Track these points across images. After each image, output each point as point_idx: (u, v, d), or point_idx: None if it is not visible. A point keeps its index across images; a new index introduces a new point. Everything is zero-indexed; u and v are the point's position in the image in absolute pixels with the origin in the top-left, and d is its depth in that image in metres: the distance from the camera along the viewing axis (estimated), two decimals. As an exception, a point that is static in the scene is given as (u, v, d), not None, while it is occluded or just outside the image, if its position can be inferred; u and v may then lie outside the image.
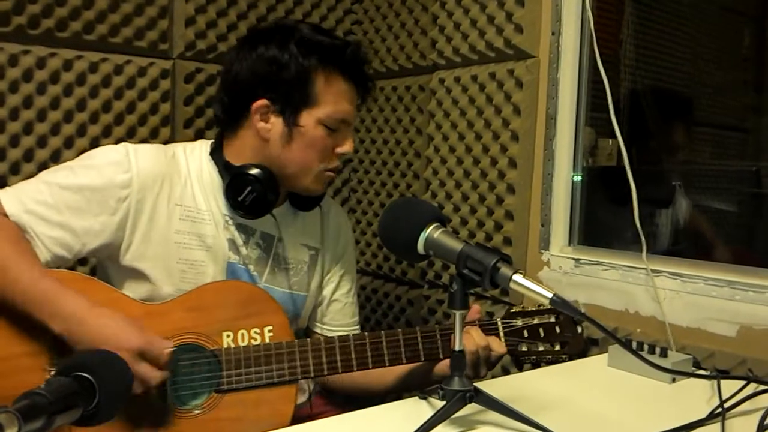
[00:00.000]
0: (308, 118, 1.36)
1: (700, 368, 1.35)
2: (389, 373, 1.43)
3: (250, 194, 1.35)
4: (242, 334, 1.29)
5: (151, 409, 1.23)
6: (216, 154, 1.43)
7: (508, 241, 1.74)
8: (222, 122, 1.46)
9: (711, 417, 1.06)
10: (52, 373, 1.20)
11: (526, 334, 1.40)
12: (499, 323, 1.40)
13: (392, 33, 2.13)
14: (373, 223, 2.22)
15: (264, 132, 1.37)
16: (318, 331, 1.58)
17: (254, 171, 1.36)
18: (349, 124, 1.42)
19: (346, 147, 1.41)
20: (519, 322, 1.40)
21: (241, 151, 1.41)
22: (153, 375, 1.17)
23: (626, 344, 1.15)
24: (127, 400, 0.84)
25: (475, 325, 1.35)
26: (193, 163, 1.42)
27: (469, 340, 1.29)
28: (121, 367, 0.86)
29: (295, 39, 1.37)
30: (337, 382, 1.53)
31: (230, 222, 1.41)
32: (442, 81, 1.92)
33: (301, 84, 1.35)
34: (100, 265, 1.45)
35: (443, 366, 1.34)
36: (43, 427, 0.73)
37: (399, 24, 2.10)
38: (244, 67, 1.39)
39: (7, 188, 1.32)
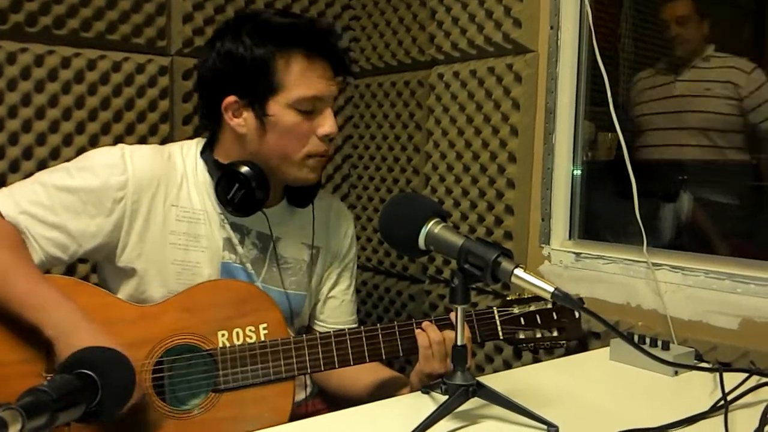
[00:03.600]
0: (276, 106, 1.32)
1: (702, 361, 1.35)
2: (359, 383, 1.44)
3: (238, 192, 1.33)
4: (237, 333, 1.28)
5: (149, 411, 1.22)
6: (206, 153, 1.42)
7: (508, 236, 1.74)
8: (204, 125, 1.45)
9: (713, 410, 1.06)
10: (49, 378, 1.19)
11: (522, 321, 1.39)
12: (495, 311, 1.39)
13: (390, 28, 2.12)
14: (374, 218, 2.22)
15: (239, 128, 1.35)
16: (315, 328, 1.57)
17: (242, 168, 1.34)
18: (325, 101, 1.35)
19: (327, 127, 1.34)
20: (515, 310, 1.40)
21: (227, 149, 1.40)
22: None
23: (628, 337, 1.14)
24: (130, 398, 0.84)
25: (431, 321, 1.33)
26: (188, 162, 1.41)
27: (421, 335, 1.29)
28: (124, 365, 0.85)
29: (247, 29, 1.33)
30: (329, 383, 1.54)
31: (225, 221, 1.40)
32: (440, 76, 1.92)
33: (261, 72, 1.31)
34: (98, 266, 1.44)
35: (417, 375, 1.32)
36: (46, 424, 0.73)
37: (397, 19, 2.10)
38: (207, 67, 1.37)
39: (3, 189, 1.32)
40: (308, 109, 1.33)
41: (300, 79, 1.32)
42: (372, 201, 2.23)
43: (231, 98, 1.33)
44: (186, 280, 1.34)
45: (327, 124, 1.35)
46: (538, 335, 1.39)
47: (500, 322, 1.38)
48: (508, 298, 1.42)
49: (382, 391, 1.42)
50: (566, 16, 1.66)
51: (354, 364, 1.31)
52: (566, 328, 1.41)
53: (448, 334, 1.28)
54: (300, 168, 1.37)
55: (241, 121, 1.35)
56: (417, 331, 1.31)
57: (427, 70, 1.99)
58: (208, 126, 1.42)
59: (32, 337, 1.19)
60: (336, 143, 1.49)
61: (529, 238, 1.73)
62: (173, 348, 1.24)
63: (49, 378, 1.19)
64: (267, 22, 1.34)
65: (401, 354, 1.33)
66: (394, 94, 2.12)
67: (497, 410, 1.02)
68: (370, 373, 1.46)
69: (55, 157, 1.74)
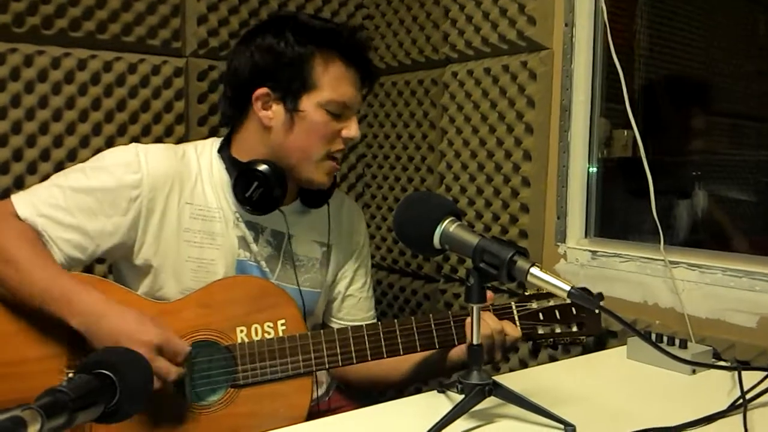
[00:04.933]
0: (308, 103, 1.35)
1: (720, 359, 1.34)
2: (404, 362, 1.42)
3: (257, 189, 1.35)
4: (255, 329, 1.29)
5: (169, 406, 1.23)
6: (224, 151, 1.43)
7: (523, 234, 1.73)
8: (228, 118, 1.46)
9: (732, 408, 1.05)
10: (69, 375, 1.21)
11: (541, 316, 1.39)
12: (513, 306, 1.39)
13: (404, 27, 2.12)
14: (388, 217, 2.22)
15: (266, 120, 1.37)
16: (334, 326, 1.58)
17: (261, 167, 1.36)
18: (351, 109, 1.40)
19: (351, 131, 1.39)
20: (534, 305, 1.39)
21: (247, 144, 1.41)
22: (170, 370, 1.18)
23: (646, 336, 1.14)
24: (148, 397, 0.84)
25: (489, 310, 1.34)
26: (203, 161, 1.43)
27: (483, 325, 1.28)
28: (142, 365, 0.86)
29: (291, 26, 1.37)
30: (351, 374, 1.54)
31: (240, 219, 1.41)
32: (455, 74, 1.92)
33: (299, 69, 1.35)
34: (115, 265, 1.46)
35: (458, 352, 1.34)
36: (65, 424, 0.73)
37: (411, 18, 2.09)
38: (242, 60, 1.39)
39: (20, 192, 1.33)
40: (336, 112, 1.37)
41: (334, 83, 1.36)
42: (386, 200, 2.23)
43: (263, 90, 1.36)
44: (201, 278, 1.36)
45: (352, 128, 1.40)
46: (558, 330, 1.39)
47: (518, 317, 1.38)
48: (526, 293, 1.41)
49: (428, 368, 1.42)
50: (581, 12, 1.65)
51: (371, 360, 1.32)
52: (586, 323, 1.40)
53: (507, 324, 1.31)
54: (316, 168, 1.39)
55: (269, 114, 1.37)
56: (467, 320, 1.30)
57: (441, 69, 1.99)
58: (232, 118, 1.44)
59: (53, 333, 1.22)
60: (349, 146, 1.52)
61: (545, 237, 1.72)
62: (193, 344, 1.25)
63: (69, 374, 1.21)
64: (309, 24, 1.39)
65: (419, 350, 1.34)
66: (408, 92, 2.12)
67: (514, 410, 1.02)
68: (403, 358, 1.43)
69: (72, 158, 1.75)
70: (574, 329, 1.39)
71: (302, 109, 1.35)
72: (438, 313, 1.38)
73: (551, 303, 1.39)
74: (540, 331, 1.38)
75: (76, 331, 1.19)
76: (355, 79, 1.40)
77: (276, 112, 1.37)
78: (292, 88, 1.35)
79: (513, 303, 1.39)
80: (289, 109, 1.36)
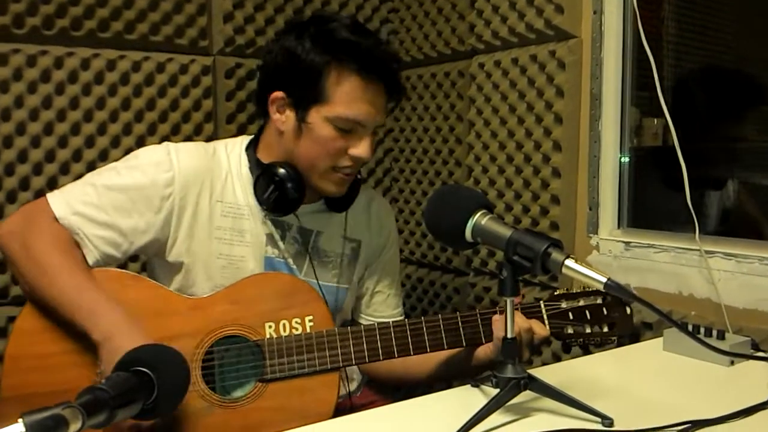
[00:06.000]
0: (317, 115, 1.32)
1: (759, 350, 1.31)
2: (429, 361, 1.42)
3: (273, 192, 1.35)
4: (284, 324, 1.30)
5: (198, 399, 1.25)
6: (250, 150, 1.44)
7: (554, 226, 1.71)
8: (257, 115, 1.46)
9: (773, 400, 1.03)
10: (99, 370, 1.23)
11: (571, 316, 1.37)
12: (542, 306, 1.38)
13: (429, 19, 2.11)
14: (416, 212, 2.21)
15: (279, 124, 1.37)
16: (362, 322, 1.58)
17: (279, 170, 1.35)
18: (366, 127, 1.34)
19: (360, 150, 1.34)
20: (563, 305, 1.38)
21: (268, 146, 1.42)
22: None
23: (684, 327, 1.12)
24: (185, 394, 0.85)
25: (517, 309, 1.33)
26: (233, 159, 1.44)
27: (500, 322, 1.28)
28: (179, 363, 0.87)
29: (310, 32, 1.33)
30: (377, 372, 1.54)
31: (267, 216, 1.42)
32: (481, 66, 1.90)
33: (313, 79, 1.31)
34: (148, 262, 1.48)
35: (485, 350, 1.33)
36: (105, 421, 0.75)
37: (436, 9, 2.08)
38: (268, 59, 1.40)
39: (55, 192, 1.35)
40: (346, 128, 1.33)
41: (347, 98, 1.31)
42: (414, 194, 2.22)
43: (279, 93, 1.35)
44: (231, 275, 1.37)
45: (362, 148, 1.35)
46: (588, 331, 1.37)
47: (547, 316, 1.36)
48: (556, 293, 1.40)
49: (454, 366, 1.41)
50: (610, -1, 1.63)
51: (398, 357, 1.32)
52: (617, 323, 1.38)
53: (535, 322, 1.29)
54: (322, 179, 1.38)
55: (282, 118, 1.37)
56: (495, 317, 1.30)
57: (467, 60, 1.97)
58: (259, 116, 1.44)
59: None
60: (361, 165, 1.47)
61: (576, 228, 1.70)
62: (222, 339, 1.27)
63: (99, 369, 1.23)
64: (331, 32, 1.33)
65: (445, 347, 1.33)
66: (435, 85, 2.11)
67: (549, 403, 1.01)
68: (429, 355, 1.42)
69: (103, 158, 1.77)
70: (605, 330, 1.38)
71: (310, 121, 1.33)
72: (467, 311, 1.38)
73: (581, 303, 1.38)
74: (569, 331, 1.37)
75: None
76: (373, 96, 1.33)
77: (288, 118, 1.36)
78: (304, 97, 1.33)
79: (542, 302, 1.38)
80: (299, 118, 1.34)
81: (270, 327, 1.30)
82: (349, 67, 1.30)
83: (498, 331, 1.27)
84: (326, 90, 1.31)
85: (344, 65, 1.30)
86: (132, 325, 1.20)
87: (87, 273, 1.28)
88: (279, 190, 1.35)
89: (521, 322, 1.28)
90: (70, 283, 1.23)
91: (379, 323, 1.34)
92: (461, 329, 1.33)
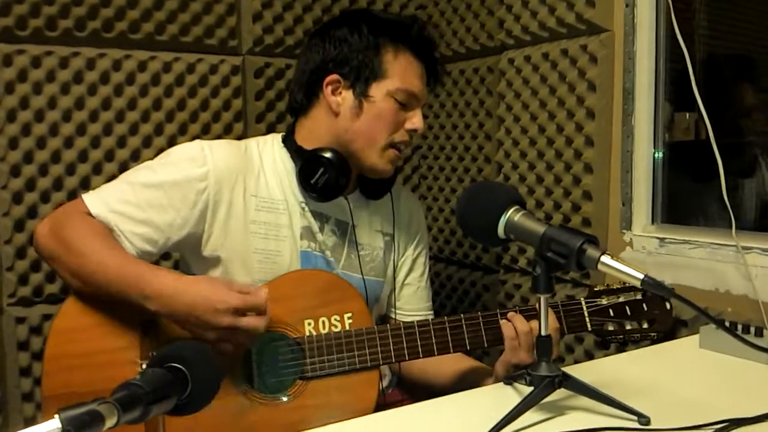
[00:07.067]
0: (378, 90, 1.40)
1: (799, 348, 1.28)
2: (449, 369, 1.45)
3: (322, 176, 1.38)
4: (323, 322, 1.31)
5: (239, 397, 1.25)
6: (288, 141, 1.46)
7: (587, 222, 1.69)
8: (295, 107, 1.49)
9: (816, 398, 1.00)
10: (143, 366, 1.24)
11: (611, 313, 1.36)
12: (583, 303, 1.36)
13: (458, 15, 2.09)
14: (445, 209, 2.20)
15: (335, 106, 1.41)
16: (392, 316, 1.58)
17: (326, 153, 1.39)
18: (418, 100, 1.43)
19: (416, 122, 1.42)
20: (604, 301, 1.36)
21: (312, 131, 1.44)
22: (257, 324, 1.20)
23: (725, 325, 1.09)
24: (218, 389, 0.85)
25: (515, 311, 1.32)
26: (266, 154, 1.45)
27: (507, 326, 1.29)
28: (210, 357, 0.87)
29: (365, 18, 1.44)
30: (410, 372, 1.55)
31: (306, 209, 1.44)
32: (511, 61, 1.88)
33: (371, 57, 1.40)
34: (182, 259, 1.49)
35: (504, 366, 1.31)
36: (140, 416, 0.75)
37: (464, 5, 2.07)
38: (315, 51, 1.44)
39: (90, 192, 1.37)
40: (403, 102, 1.41)
41: (404, 73, 1.41)
42: (443, 191, 2.21)
43: (334, 76, 1.41)
44: (268, 269, 1.38)
45: (416, 119, 1.43)
46: (628, 327, 1.35)
47: (588, 313, 1.35)
48: (595, 289, 1.39)
49: (465, 382, 1.42)
50: (642, -8, 1.60)
51: (438, 355, 1.32)
52: (657, 320, 1.36)
53: (535, 324, 1.26)
54: (380, 156, 1.42)
55: (339, 99, 1.41)
56: (502, 321, 1.31)
57: (496, 56, 1.95)
58: (300, 107, 1.47)
59: (127, 326, 1.26)
60: (415, 141, 1.57)
61: (609, 224, 1.68)
62: (262, 336, 1.27)
63: (143, 365, 1.25)
64: (382, 18, 1.47)
65: (486, 345, 1.33)
66: (463, 81, 2.09)
67: (584, 401, 0.99)
68: (453, 363, 1.46)
69: (135, 158, 1.79)
70: (645, 326, 1.36)
71: (371, 95, 1.39)
72: (498, 308, 1.37)
73: (621, 299, 1.36)
74: (609, 328, 1.35)
75: (150, 321, 1.23)
76: (422, 71, 1.45)
77: (345, 98, 1.41)
78: (362, 75, 1.40)
79: (582, 299, 1.37)
80: (358, 95, 1.40)
81: (309, 324, 1.31)
82: (404, 45, 1.42)
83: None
84: (385, 66, 1.40)
85: (399, 44, 1.42)
86: (186, 279, 1.22)
87: (128, 253, 1.30)
88: (328, 173, 1.38)
89: (521, 325, 1.29)
90: (115, 261, 1.24)
91: (418, 321, 1.34)
92: (502, 326, 1.32)
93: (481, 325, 1.33)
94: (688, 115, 1.84)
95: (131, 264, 1.25)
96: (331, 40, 1.43)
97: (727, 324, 1.28)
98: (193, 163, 1.36)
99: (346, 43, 1.41)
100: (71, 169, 1.73)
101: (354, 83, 1.40)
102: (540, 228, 0.99)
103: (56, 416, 0.66)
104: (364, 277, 1.48)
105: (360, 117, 1.40)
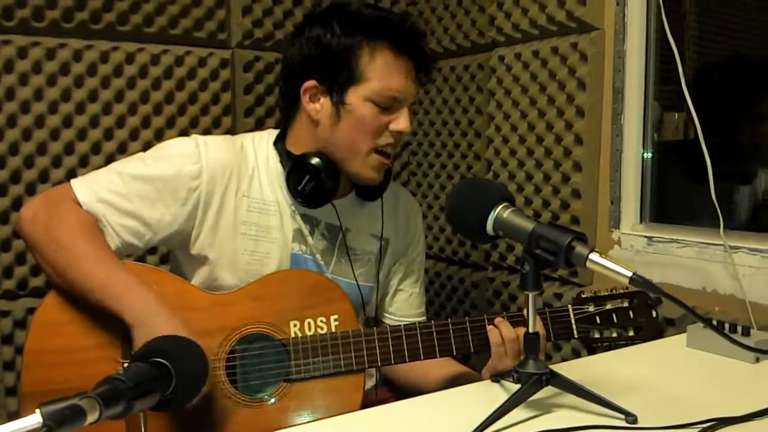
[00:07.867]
0: (355, 96, 1.31)
1: (785, 347, 1.29)
2: (429, 377, 1.44)
3: (308, 183, 1.33)
4: (309, 323, 1.29)
5: (222, 399, 1.24)
6: (279, 143, 1.43)
7: (575, 220, 1.69)
8: (282, 110, 1.45)
9: (801, 398, 1.01)
10: (125, 364, 1.22)
11: (598, 320, 1.36)
12: (570, 310, 1.36)
13: (449, 12, 2.09)
14: (434, 206, 2.20)
15: (314, 113, 1.35)
16: (384, 320, 1.57)
17: (313, 160, 1.34)
18: (402, 101, 1.34)
19: (401, 124, 1.33)
20: (591, 308, 1.36)
21: (299, 138, 1.40)
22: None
23: (712, 323, 1.10)
24: (203, 386, 0.85)
25: (503, 318, 1.32)
26: (260, 154, 1.42)
27: (493, 332, 1.29)
28: (197, 354, 0.86)
29: (338, 16, 1.33)
30: (396, 375, 1.53)
31: (296, 212, 1.41)
32: (501, 58, 1.88)
33: (346, 60, 1.31)
34: (172, 254, 1.47)
35: (489, 372, 1.31)
36: (123, 412, 0.74)
37: (455, 2, 2.06)
38: (293, 51, 1.38)
39: (80, 177, 1.35)
40: (384, 105, 1.32)
41: (383, 74, 1.31)
42: (432, 188, 2.21)
43: (311, 82, 1.34)
44: (256, 270, 1.36)
45: (402, 120, 1.34)
46: (614, 334, 1.35)
47: (575, 320, 1.35)
48: (583, 296, 1.38)
49: (451, 386, 1.40)
50: (633, -9, 1.60)
51: (424, 359, 1.31)
52: (643, 327, 1.36)
53: (521, 331, 1.24)
54: (363, 163, 1.36)
55: (317, 107, 1.35)
56: (489, 327, 1.30)
57: (487, 53, 1.95)
58: (286, 111, 1.43)
59: (110, 323, 1.22)
60: (402, 142, 1.48)
61: (598, 223, 1.68)
62: (246, 336, 1.25)
63: (124, 364, 1.22)
64: (358, 13, 1.35)
65: (472, 350, 1.32)
66: (454, 78, 2.09)
67: (572, 399, 0.99)
68: (440, 367, 1.45)
69: (122, 151, 1.78)
70: (631, 333, 1.36)
71: (348, 102, 1.32)
72: (484, 305, 1.37)
73: (608, 306, 1.36)
74: (595, 335, 1.35)
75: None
76: (407, 68, 1.34)
77: (323, 105, 1.34)
78: (338, 80, 1.32)
79: (570, 306, 1.37)
80: (336, 102, 1.32)
81: (295, 325, 1.28)
82: (381, 43, 1.32)
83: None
84: (361, 69, 1.31)
85: (376, 42, 1.31)
86: (166, 308, 1.19)
87: (115, 257, 1.28)
88: (314, 180, 1.33)
89: (507, 332, 1.28)
90: (99, 267, 1.22)
91: (405, 324, 1.32)
92: (488, 333, 1.32)
93: (468, 330, 1.31)
94: (677, 114, 1.84)
95: (117, 274, 1.23)
96: (306, 42, 1.34)
97: (714, 323, 1.28)
98: (187, 159, 1.33)
99: (320, 45, 1.32)
100: (57, 162, 1.72)
101: (330, 89, 1.32)
102: (529, 225, 0.98)
103: (37, 411, 0.65)
104: (355, 282, 1.45)
105: (339, 125, 1.33)
